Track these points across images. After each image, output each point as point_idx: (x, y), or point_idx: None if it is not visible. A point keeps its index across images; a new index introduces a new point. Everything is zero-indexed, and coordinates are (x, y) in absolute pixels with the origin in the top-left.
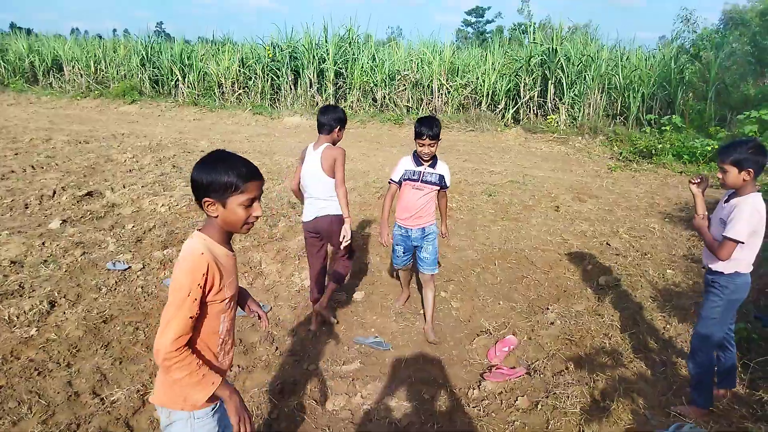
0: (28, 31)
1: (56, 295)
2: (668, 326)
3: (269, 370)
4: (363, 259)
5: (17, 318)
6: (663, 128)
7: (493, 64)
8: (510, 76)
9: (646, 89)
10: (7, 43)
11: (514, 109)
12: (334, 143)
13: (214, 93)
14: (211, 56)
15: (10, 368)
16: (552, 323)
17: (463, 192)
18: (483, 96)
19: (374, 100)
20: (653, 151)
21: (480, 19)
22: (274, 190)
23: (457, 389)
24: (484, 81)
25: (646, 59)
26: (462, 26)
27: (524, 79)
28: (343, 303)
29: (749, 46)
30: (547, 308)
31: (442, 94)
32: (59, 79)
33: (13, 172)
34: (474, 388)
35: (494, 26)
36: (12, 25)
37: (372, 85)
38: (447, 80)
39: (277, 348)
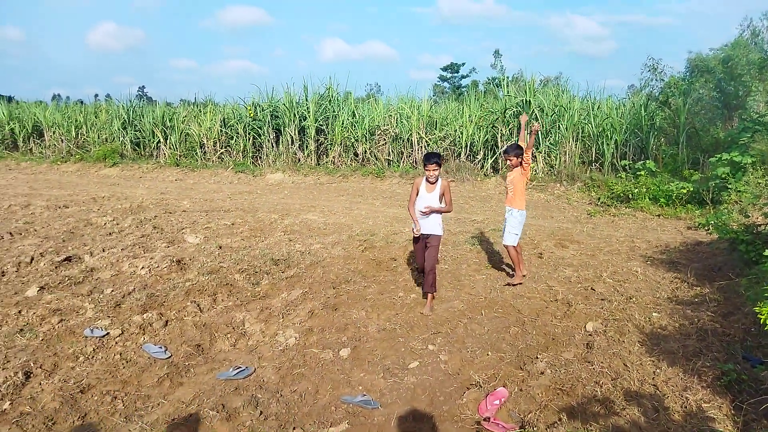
0: (9, 99)
1: (32, 365)
2: (658, 370)
3: None
4: (348, 315)
5: None
6: (638, 173)
7: (469, 116)
8: (487, 127)
9: (618, 136)
10: None
11: (493, 158)
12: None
13: (196, 153)
14: (193, 117)
15: None
16: (542, 373)
17: (446, 242)
18: (462, 147)
19: (355, 154)
20: (630, 196)
21: (455, 74)
22: (257, 248)
23: None
24: (462, 133)
25: (616, 107)
26: (438, 81)
27: (501, 130)
28: (329, 361)
29: (715, 92)
30: (537, 357)
31: (421, 146)
32: (39, 145)
33: None
34: None
35: (469, 81)
36: None
37: (353, 140)
38: (426, 133)
39: (261, 412)
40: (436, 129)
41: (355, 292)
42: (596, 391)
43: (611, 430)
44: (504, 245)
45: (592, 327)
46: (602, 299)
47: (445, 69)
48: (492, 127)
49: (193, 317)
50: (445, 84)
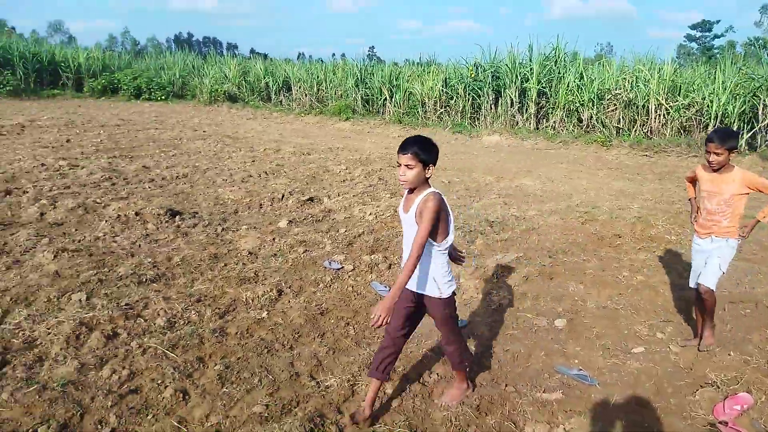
0: (265, 56)
1: (283, 285)
2: None
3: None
4: (565, 286)
5: (252, 301)
6: None
7: (723, 83)
8: (745, 96)
9: None
10: (248, 66)
11: (750, 134)
12: None
13: (418, 112)
14: (417, 77)
15: (245, 343)
16: None
17: (689, 227)
18: (711, 118)
19: (579, 120)
20: None
21: (707, 33)
22: (472, 207)
23: None
24: (711, 102)
25: None
26: (684, 42)
27: (764, 100)
28: (542, 329)
29: None
30: None
31: (659, 114)
32: (287, 98)
33: (251, 176)
34: None
35: (724, 41)
36: (252, 51)
37: (577, 104)
38: (666, 100)
39: (476, 363)
40: (679, 95)
41: (573, 264)
42: None
43: None
44: (705, 288)
45: None
46: None
47: (693, 27)
48: (752, 97)
49: None
50: (693, 44)
